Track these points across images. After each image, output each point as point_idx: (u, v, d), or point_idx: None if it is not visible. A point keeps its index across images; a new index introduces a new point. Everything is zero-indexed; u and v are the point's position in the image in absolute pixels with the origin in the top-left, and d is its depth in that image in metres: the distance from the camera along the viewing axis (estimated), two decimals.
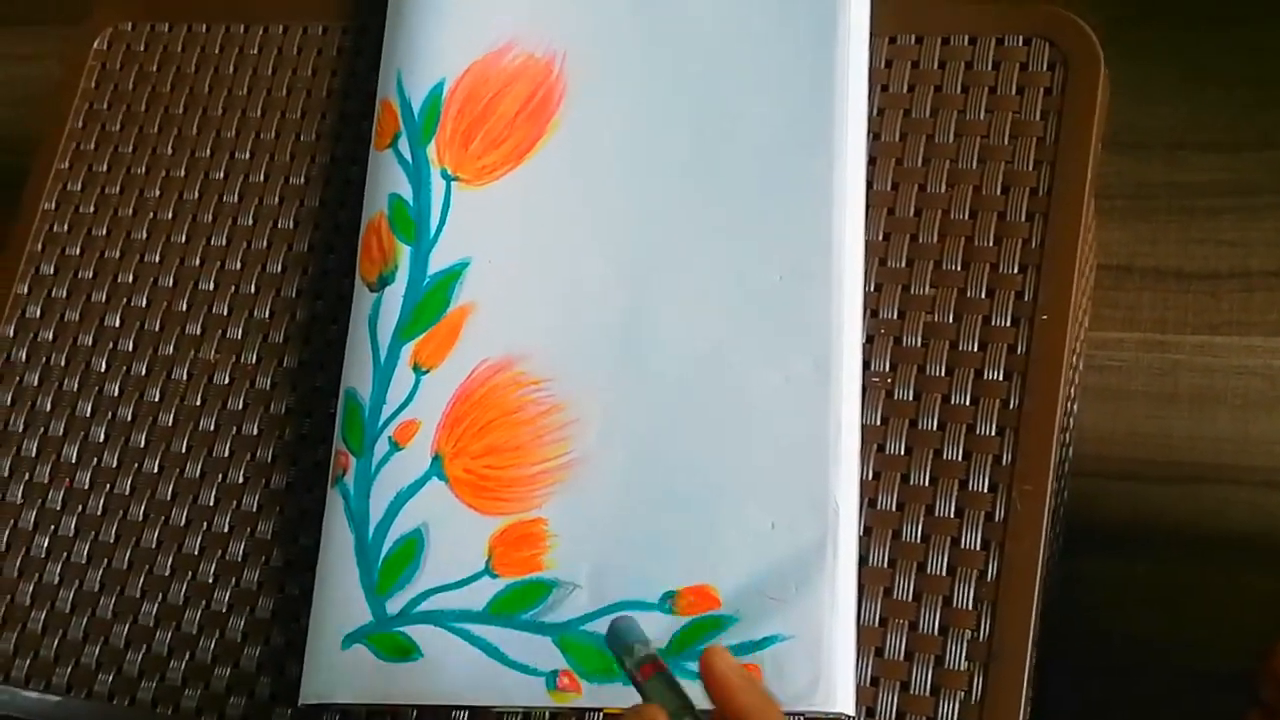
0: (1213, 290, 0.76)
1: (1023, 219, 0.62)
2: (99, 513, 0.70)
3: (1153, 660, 0.69)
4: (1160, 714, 0.68)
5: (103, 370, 0.72)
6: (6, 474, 0.72)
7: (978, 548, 0.58)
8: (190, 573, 0.67)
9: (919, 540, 0.59)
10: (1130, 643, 0.70)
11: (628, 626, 0.56)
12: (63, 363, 0.73)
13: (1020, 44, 0.64)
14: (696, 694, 0.56)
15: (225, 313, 0.71)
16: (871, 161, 0.64)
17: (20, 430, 0.72)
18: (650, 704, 0.51)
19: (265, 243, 0.72)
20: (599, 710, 0.60)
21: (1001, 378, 0.60)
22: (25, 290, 0.75)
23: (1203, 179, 0.78)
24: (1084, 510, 0.72)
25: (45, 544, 0.70)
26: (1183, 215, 0.78)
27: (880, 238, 0.63)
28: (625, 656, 0.54)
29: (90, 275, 0.74)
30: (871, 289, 0.63)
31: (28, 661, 0.68)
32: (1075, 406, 0.70)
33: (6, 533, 0.71)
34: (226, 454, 0.69)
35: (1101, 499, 0.73)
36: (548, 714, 0.61)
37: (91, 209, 0.76)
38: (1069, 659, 0.65)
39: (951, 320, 0.61)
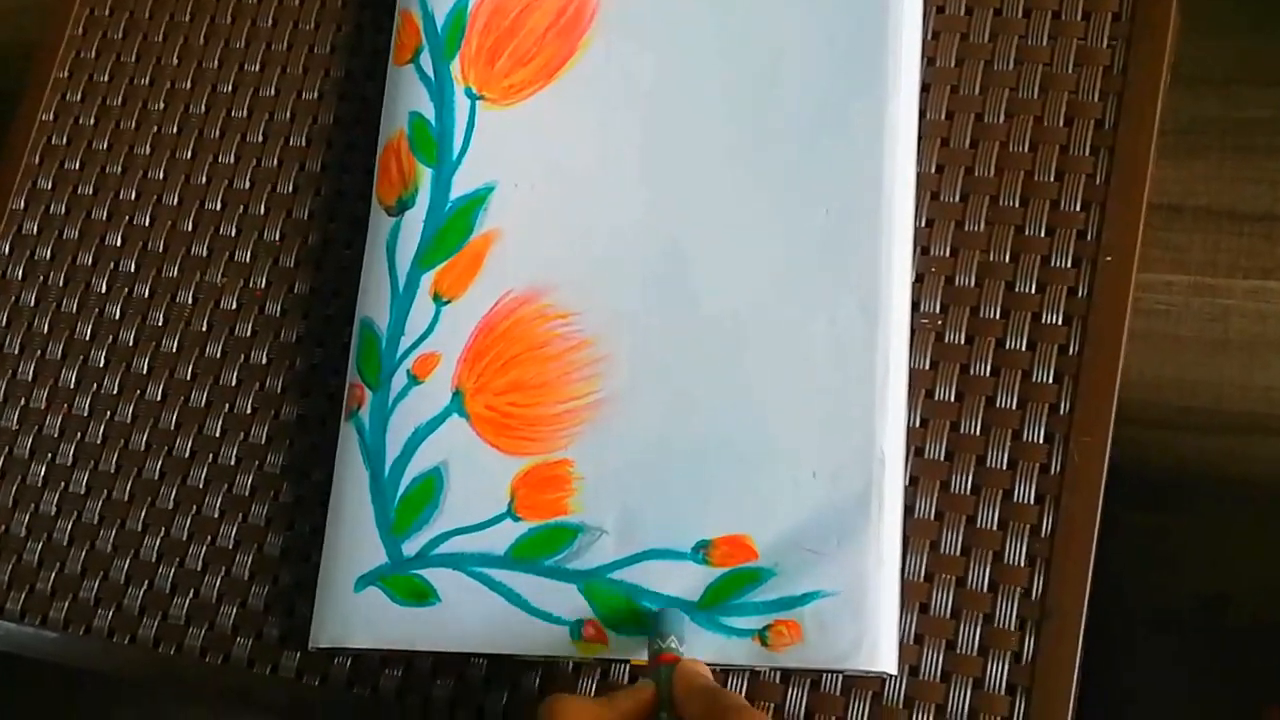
0: (1268, 233, 0.73)
1: (1086, 153, 0.58)
2: (99, 441, 0.66)
3: (1201, 616, 0.67)
4: (1205, 671, 0.65)
5: (103, 291, 0.69)
6: (1, 398, 0.68)
7: (1031, 502, 0.55)
8: (195, 506, 0.64)
9: (969, 492, 0.56)
10: (1179, 597, 0.67)
11: (677, 620, 0.55)
12: (61, 282, 0.69)
13: None
14: (730, 648, 0.54)
15: (233, 234, 0.68)
16: (925, 89, 0.60)
17: (16, 352, 0.69)
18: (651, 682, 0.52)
19: (276, 161, 0.68)
20: (625, 662, 0.57)
21: (1060, 322, 0.57)
22: (22, 205, 0.71)
23: (1261, 115, 0.74)
24: (1130, 459, 0.69)
25: (42, 472, 0.67)
26: (1238, 153, 0.74)
27: (933, 170, 0.60)
28: (659, 639, 0.53)
29: (90, 191, 0.71)
30: (922, 224, 0.59)
31: (23, 595, 0.65)
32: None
33: (1, 460, 0.68)
34: (234, 383, 0.65)
35: (1148, 448, 0.70)
36: (571, 663, 0.58)
37: (92, 121, 0.72)
38: (1114, 613, 0.62)
39: (1008, 260, 0.58)
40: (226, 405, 0.65)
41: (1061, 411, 0.56)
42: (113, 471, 0.66)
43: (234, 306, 0.67)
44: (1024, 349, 0.57)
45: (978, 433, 0.56)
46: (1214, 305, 0.72)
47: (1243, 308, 0.72)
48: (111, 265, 0.69)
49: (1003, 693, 0.54)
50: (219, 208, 0.68)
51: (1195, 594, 0.67)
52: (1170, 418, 0.70)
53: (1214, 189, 0.74)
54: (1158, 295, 0.73)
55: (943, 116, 0.60)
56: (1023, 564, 0.55)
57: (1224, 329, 0.71)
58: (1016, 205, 0.58)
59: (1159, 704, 0.66)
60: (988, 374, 0.57)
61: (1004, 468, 0.56)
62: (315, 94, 0.69)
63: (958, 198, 0.59)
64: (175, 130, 0.70)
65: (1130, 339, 0.72)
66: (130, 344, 0.67)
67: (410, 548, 0.59)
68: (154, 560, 0.64)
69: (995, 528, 0.55)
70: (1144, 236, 0.74)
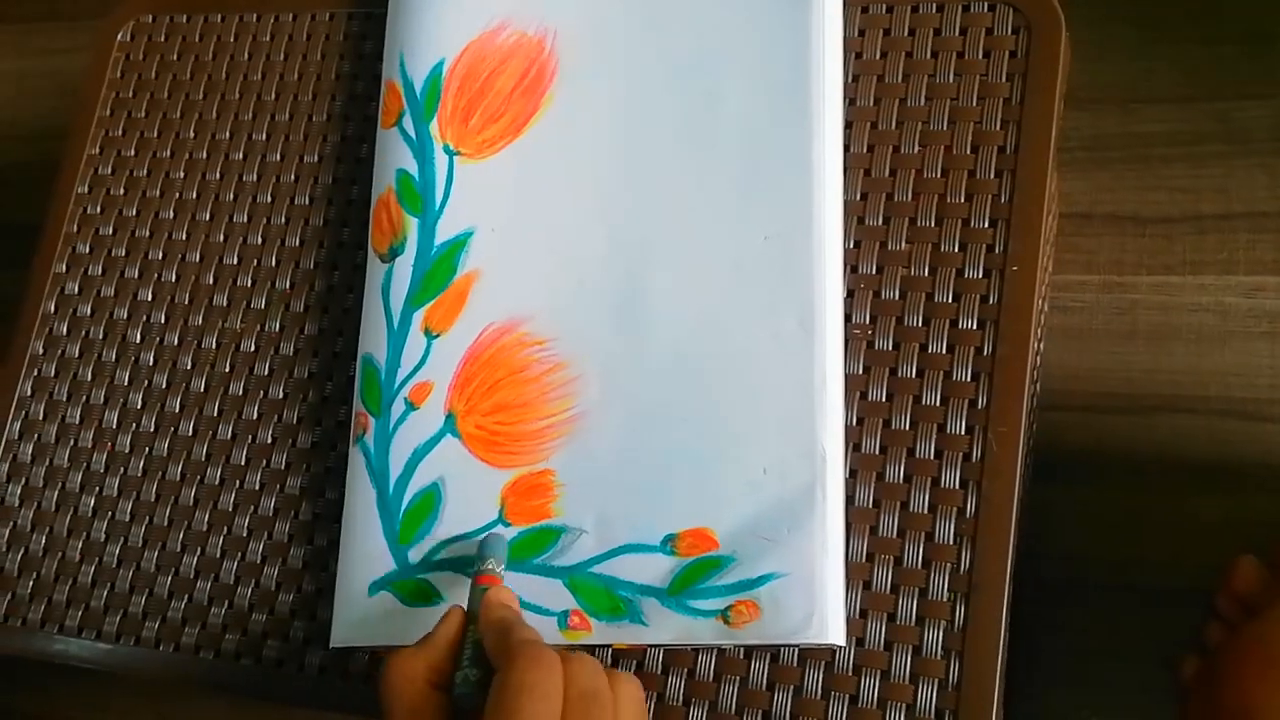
0: (1166, 233, 0.73)
1: (991, 176, 0.58)
2: (139, 474, 0.67)
3: (1119, 580, 0.67)
4: (1126, 630, 0.66)
5: (138, 341, 0.69)
6: (54, 440, 0.69)
7: (956, 486, 0.55)
8: (226, 527, 0.65)
9: (901, 481, 0.56)
10: (1097, 564, 0.67)
11: (496, 542, 0.57)
12: (101, 335, 0.70)
13: (985, 10, 0.60)
14: (697, 628, 0.55)
15: (249, 284, 0.68)
16: (848, 126, 0.61)
17: (64, 399, 0.70)
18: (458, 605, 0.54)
19: (284, 218, 0.69)
20: (608, 646, 0.57)
21: (975, 326, 0.57)
22: (64, 268, 0.72)
23: (1156, 130, 0.74)
24: (1051, 441, 0.70)
25: (91, 503, 0.67)
26: (1138, 164, 0.74)
27: (858, 197, 0.60)
28: (479, 560, 0.55)
29: (123, 253, 0.71)
30: (851, 246, 0.59)
31: (80, 612, 0.66)
32: (1042, 346, 0.67)
33: (55, 494, 0.68)
34: (255, 416, 0.66)
35: (1067, 430, 0.70)
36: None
37: (122, 190, 0.72)
38: (1040, 581, 0.62)
39: (927, 274, 0.58)
40: (250, 436, 0.66)
41: (979, 406, 0.56)
42: (153, 500, 0.66)
43: (253, 349, 0.67)
44: (944, 352, 0.57)
45: (907, 428, 0.57)
46: (1122, 300, 0.72)
47: (1147, 301, 0.72)
48: (145, 318, 0.70)
49: (939, 657, 0.54)
50: (235, 262, 0.69)
51: (1110, 559, 0.67)
52: (1086, 402, 0.71)
53: (1118, 197, 0.75)
54: (1072, 294, 0.73)
55: (864, 150, 0.61)
56: (951, 542, 0.55)
57: (1131, 321, 0.72)
58: (932, 225, 0.59)
59: (1078, 660, 0.66)
60: (914, 375, 0.57)
61: (931, 458, 0.56)
62: (316, 157, 0.69)
63: (881, 221, 0.60)
64: (195, 195, 0.71)
65: (1049, 334, 0.73)
66: (163, 386, 0.68)
67: (415, 555, 0.59)
68: (192, 576, 0.64)
69: (926, 511, 0.56)
70: (1057, 242, 0.75)
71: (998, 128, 0.59)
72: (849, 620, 0.55)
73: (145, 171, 0.72)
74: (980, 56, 0.60)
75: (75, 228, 0.72)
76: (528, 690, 0.46)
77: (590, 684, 0.48)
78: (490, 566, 0.55)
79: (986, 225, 0.58)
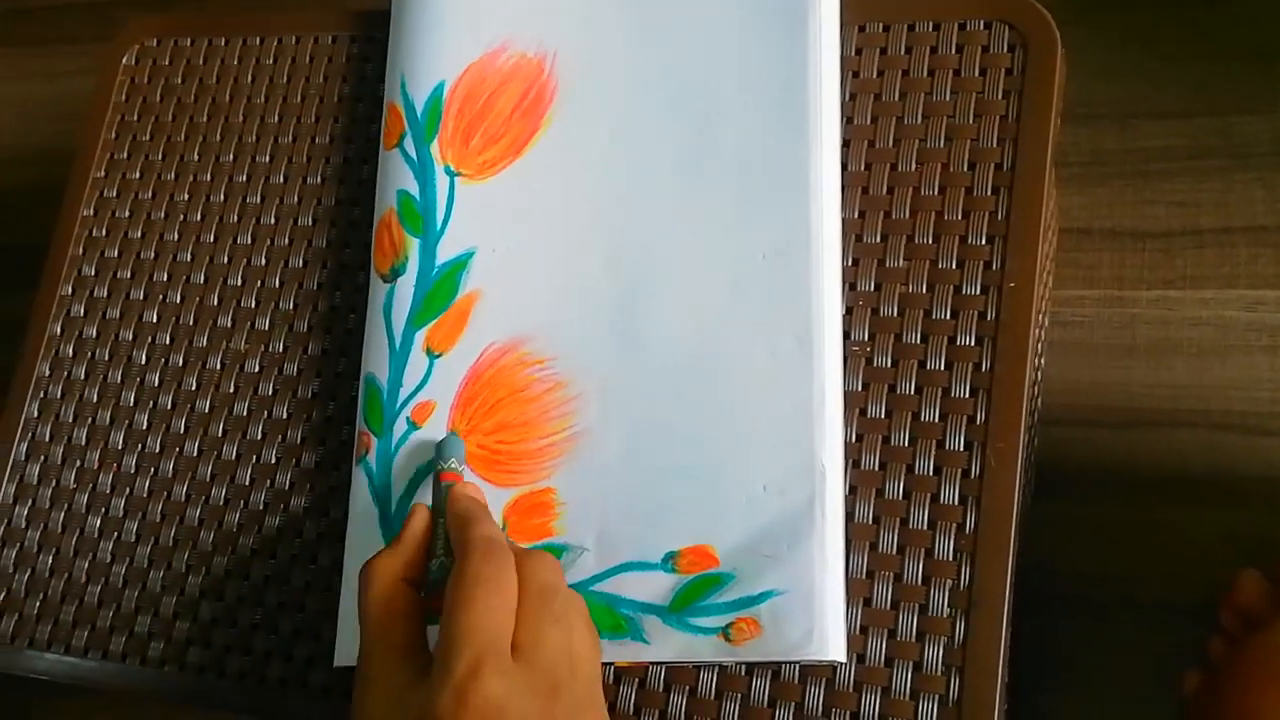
0: (1166, 248, 0.73)
1: (989, 193, 0.59)
2: (145, 494, 0.67)
3: (1121, 595, 0.67)
4: (1128, 645, 0.66)
5: (143, 362, 0.70)
6: (60, 461, 0.69)
7: (955, 502, 0.56)
8: (231, 547, 0.65)
9: (901, 497, 0.56)
10: (1099, 579, 0.67)
11: (455, 442, 0.59)
12: (106, 356, 0.71)
13: (981, 28, 0.61)
14: (699, 645, 0.55)
15: (253, 305, 0.69)
16: (845, 144, 0.61)
17: (71, 420, 0.70)
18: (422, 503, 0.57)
19: (287, 239, 0.69)
20: (610, 664, 0.58)
21: (973, 343, 0.57)
22: (70, 291, 0.72)
23: (1155, 145, 0.75)
24: (1053, 456, 0.70)
25: (98, 524, 0.68)
26: (1137, 179, 0.75)
27: (856, 215, 0.60)
28: (440, 460, 0.58)
29: (128, 275, 0.72)
30: (849, 263, 0.60)
31: (86, 632, 0.66)
32: (1043, 361, 0.67)
33: (62, 515, 0.68)
34: (259, 436, 0.66)
35: (1069, 445, 0.70)
36: None
37: (127, 213, 0.73)
38: (1043, 596, 0.62)
39: (925, 290, 0.58)
40: (254, 456, 0.66)
41: (978, 421, 0.56)
42: (158, 520, 0.67)
43: (256, 369, 0.68)
44: (943, 368, 0.57)
45: (906, 444, 0.57)
46: (1122, 315, 0.73)
47: (1147, 315, 0.72)
48: (150, 339, 0.70)
49: (939, 673, 0.54)
50: (239, 283, 0.69)
51: (1111, 573, 0.67)
52: (1086, 416, 0.71)
53: (1117, 212, 0.75)
54: (1072, 309, 0.73)
55: (862, 168, 0.61)
56: (951, 558, 0.55)
57: (1131, 335, 0.72)
58: (930, 242, 0.59)
59: (1081, 675, 0.66)
60: (912, 392, 0.58)
61: (930, 474, 0.56)
62: (318, 179, 0.70)
63: (878, 239, 0.60)
64: (199, 217, 0.71)
65: (1050, 349, 0.73)
66: (169, 407, 0.68)
67: None
68: (198, 596, 0.65)
69: (926, 527, 0.56)
70: (1057, 257, 0.75)
71: (994, 145, 0.59)
72: (849, 636, 0.55)
73: (150, 194, 0.73)
74: (976, 74, 0.60)
75: (80, 250, 0.73)
76: (481, 583, 0.49)
77: (547, 579, 0.51)
78: (452, 465, 0.57)
79: (984, 242, 0.58)
